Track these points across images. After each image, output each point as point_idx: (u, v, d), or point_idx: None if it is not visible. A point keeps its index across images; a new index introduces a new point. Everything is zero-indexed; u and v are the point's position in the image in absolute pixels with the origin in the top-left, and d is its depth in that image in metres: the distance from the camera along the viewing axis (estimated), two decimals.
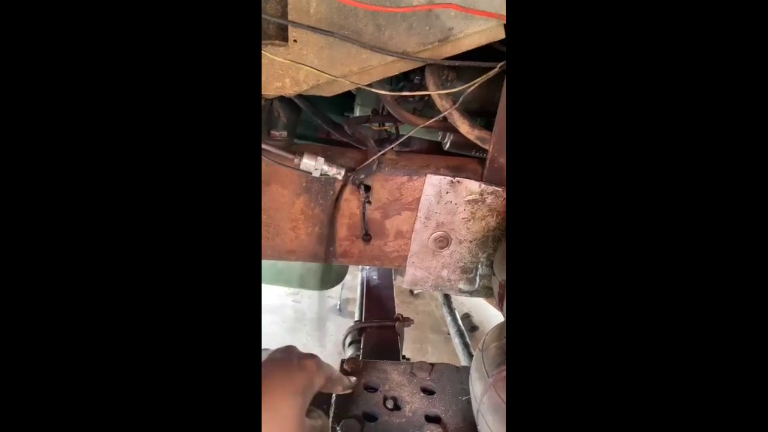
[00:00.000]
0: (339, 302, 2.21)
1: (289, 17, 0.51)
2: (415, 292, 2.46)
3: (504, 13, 0.50)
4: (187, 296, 0.33)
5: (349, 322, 2.06)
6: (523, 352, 0.34)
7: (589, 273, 0.33)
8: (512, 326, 0.36)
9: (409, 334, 1.32)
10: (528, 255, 0.35)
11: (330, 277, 1.63)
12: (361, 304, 1.21)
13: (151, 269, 0.33)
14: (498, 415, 0.49)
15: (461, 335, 1.21)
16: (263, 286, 2.10)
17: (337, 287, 2.23)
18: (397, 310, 1.17)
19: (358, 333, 1.04)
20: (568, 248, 0.34)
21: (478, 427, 0.54)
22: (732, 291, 0.30)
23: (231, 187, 0.34)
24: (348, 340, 1.04)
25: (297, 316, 2.11)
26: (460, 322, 1.23)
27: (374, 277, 1.39)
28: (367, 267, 1.44)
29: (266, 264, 1.59)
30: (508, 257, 0.39)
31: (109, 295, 0.32)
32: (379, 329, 1.05)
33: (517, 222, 0.36)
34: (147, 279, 0.33)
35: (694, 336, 0.31)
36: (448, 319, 1.06)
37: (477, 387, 0.54)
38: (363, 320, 1.10)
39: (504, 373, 0.49)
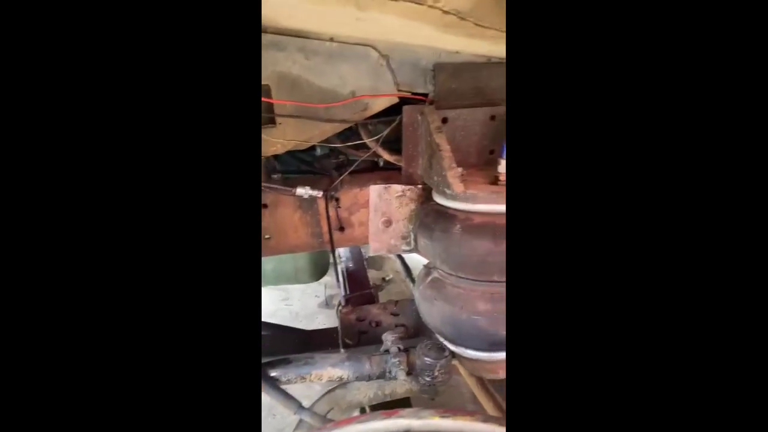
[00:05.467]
0: (325, 298, 2.60)
1: (275, 111, 0.93)
2: (387, 279, 2.92)
3: (396, 92, 0.94)
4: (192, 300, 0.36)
5: (335, 314, 2.45)
6: (522, 352, 0.36)
7: (583, 275, 0.34)
8: (512, 326, 0.38)
9: None
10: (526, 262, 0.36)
11: (317, 271, 2.03)
12: (344, 283, 1.62)
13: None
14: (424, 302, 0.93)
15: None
16: (265, 289, 2.45)
17: (322, 288, 2.64)
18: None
19: (346, 302, 1.45)
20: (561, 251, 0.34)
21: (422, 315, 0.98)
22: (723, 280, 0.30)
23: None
24: (341, 308, 1.45)
25: (291, 316, 2.47)
26: (413, 275, 1.73)
27: (350, 265, 1.81)
28: (345, 259, 1.86)
29: (266, 270, 1.97)
30: (508, 262, 0.42)
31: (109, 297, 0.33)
32: (360, 297, 1.47)
33: (516, 226, 0.38)
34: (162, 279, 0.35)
35: (687, 342, 0.30)
36: (404, 274, 1.53)
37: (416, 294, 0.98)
38: (348, 293, 1.52)
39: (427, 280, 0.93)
